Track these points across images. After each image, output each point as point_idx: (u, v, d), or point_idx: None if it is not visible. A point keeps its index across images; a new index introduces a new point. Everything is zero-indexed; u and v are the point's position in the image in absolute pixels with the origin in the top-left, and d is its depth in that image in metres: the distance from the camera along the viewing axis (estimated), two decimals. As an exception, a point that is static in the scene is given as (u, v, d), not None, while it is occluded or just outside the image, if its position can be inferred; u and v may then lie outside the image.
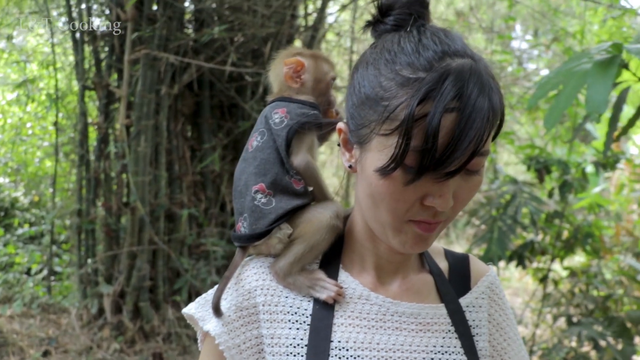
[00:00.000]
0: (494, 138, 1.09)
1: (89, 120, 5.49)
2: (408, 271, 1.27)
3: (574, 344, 4.52)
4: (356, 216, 1.25)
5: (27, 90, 6.35)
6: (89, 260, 5.32)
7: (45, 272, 6.29)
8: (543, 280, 4.85)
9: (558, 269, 5.29)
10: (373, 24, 1.17)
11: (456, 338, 1.21)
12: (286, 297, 1.20)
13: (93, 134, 5.51)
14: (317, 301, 1.19)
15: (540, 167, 4.32)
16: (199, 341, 1.29)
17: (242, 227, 1.23)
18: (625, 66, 2.28)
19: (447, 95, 0.95)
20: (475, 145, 0.97)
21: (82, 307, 5.28)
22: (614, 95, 2.64)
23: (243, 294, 1.20)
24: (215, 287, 1.24)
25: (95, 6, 5.25)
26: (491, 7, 6.62)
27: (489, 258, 4.14)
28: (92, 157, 5.37)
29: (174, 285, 5.16)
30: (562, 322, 5.14)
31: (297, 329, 1.17)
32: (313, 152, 1.27)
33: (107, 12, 5.12)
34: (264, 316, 1.18)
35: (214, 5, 5.10)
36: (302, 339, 1.15)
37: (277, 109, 1.26)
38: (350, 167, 1.17)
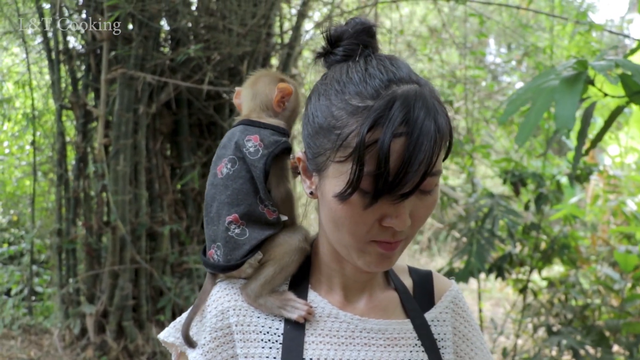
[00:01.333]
0: (445, 158, 1.14)
1: (67, 139, 5.48)
2: (374, 289, 1.31)
3: (554, 353, 4.56)
4: (321, 239, 1.28)
5: (3, 110, 6.32)
6: (71, 280, 5.29)
7: (25, 292, 6.24)
8: (522, 291, 4.90)
9: (537, 279, 5.34)
10: (324, 55, 1.22)
11: (423, 352, 1.25)
12: (258, 317, 1.23)
13: (71, 153, 5.50)
14: (288, 320, 1.22)
15: (516, 180, 4.38)
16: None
17: (215, 254, 1.24)
18: (591, 82, 2.34)
19: (395, 120, 1.00)
20: (426, 166, 1.02)
21: (65, 327, 5.25)
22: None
23: (216, 315, 1.22)
24: (187, 312, 1.27)
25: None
26: (464, 23, 6.69)
27: (468, 271, 4.18)
28: (71, 176, 5.36)
29: (157, 304, 5.14)
30: (542, 331, 5.19)
31: (270, 348, 1.19)
32: (289, 180, 1.29)
33: (82, 31, 5.12)
34: (237, 336, 1.21)
35: (189, 25, 5.12)
36: (275, 358, 1.18)
37: (249, 136, 1.25)
38: (311, 193, 1.20)
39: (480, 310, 5.48)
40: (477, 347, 1.36)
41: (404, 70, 1.10)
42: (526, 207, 4.70)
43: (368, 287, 1.30)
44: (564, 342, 4.18)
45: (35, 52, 6.10)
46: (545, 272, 5.39)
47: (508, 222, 4.26)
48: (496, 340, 5.44)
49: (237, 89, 1.40)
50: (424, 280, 1.38)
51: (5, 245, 7.44)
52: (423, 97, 1.04)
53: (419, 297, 1.34)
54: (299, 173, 1.24)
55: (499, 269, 4.54)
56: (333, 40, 1.20)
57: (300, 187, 1.28)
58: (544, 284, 5.21)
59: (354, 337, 1.23)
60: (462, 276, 4.19)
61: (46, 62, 5.45)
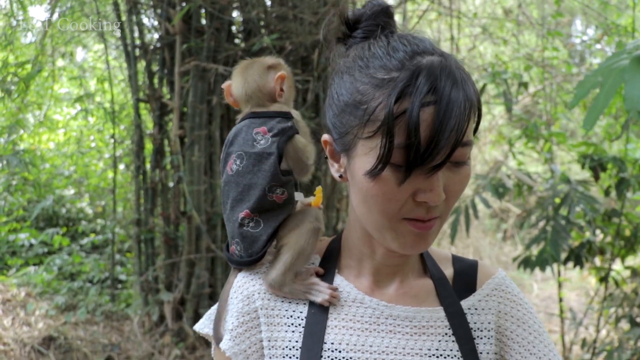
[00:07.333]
0: (475, 130, 1.12)
1: (148, 132, 5.62)
2: (407, 275, 1.28)
3: (639, 345, 4.38)
4: (352, 222, 1.27)
5: (87, 104, 6.53)
6: (150, 269, 5.44)
7: (109, 280, 6.46)
8: (603, 280, 4.71)
9: (621, 268, 5.13)
10: (343, 39, 1.22)
11: (453, 341, 1.21)
12: (282, 302, 1.23)
13: (149, 145, 5.63)
14: (312, 305, 1.22)
15: (595, 164, 4.20)
16: (212, 350, 1.33)
17: (237, 250, 1.26)
18: (667, 61, 2.20)
19: (422, 89, 0.99)
20: (457, 134, 1.00)
21: (144, 314, 5.40)
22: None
23: (242, 300, 1.23)
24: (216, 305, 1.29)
25: (145, 21, 5.37)
26: (541, 4, 6.46)
27: (543, 259, 4.06)
28: (148, 167, 5.48)
29: (232, 291, 5.21)
30: (625, 322, 4.99)
31: (293, 331, 1.20)
32: (306, 155, 1.29)
33: (158, 25, 5.23)
34: (263, 320, 1.21)
35: (261, 15, 5.13)
36: (297, 342, 1.19)
37: (256, 129, 1.26)
38: (340, 176, 1.19)
39: (560, 300, 5.32)
40: (536, 331, 1.27)
41: (427, 43, 1.10)
42: (606, 193, 4.50)
43: (400, 273, 1.27)
44: (648, 334, 4.01)
45: (114, 48, 6.28)
46: (630, 261, 5.15)
47: (584, 209, 4.10)
48: (577, 330, 5.26)
49: (223, 87, 1.38)
50: (466, 269, 1.33)
51: (92, 235, 7.71)
52: (448, 67, 1.03)
53: (458, 286, 1.29)
54: (327, 157, 1.23)
55: (577, 257, 4.38)
56: (352, 23, 1.20)
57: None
58: (628, 273, 5.00)
59: (379, 324, 1.21)
60: (536, 264, 4.08)
61: (124, 58, 5.60)
